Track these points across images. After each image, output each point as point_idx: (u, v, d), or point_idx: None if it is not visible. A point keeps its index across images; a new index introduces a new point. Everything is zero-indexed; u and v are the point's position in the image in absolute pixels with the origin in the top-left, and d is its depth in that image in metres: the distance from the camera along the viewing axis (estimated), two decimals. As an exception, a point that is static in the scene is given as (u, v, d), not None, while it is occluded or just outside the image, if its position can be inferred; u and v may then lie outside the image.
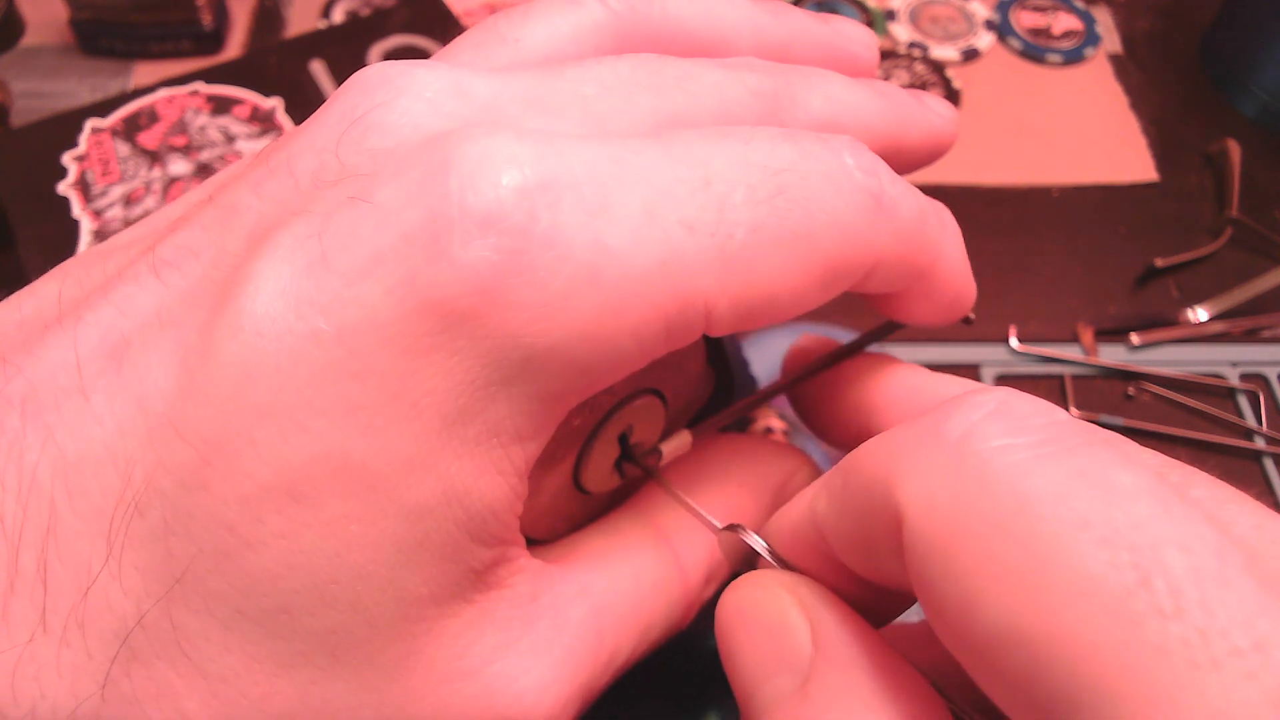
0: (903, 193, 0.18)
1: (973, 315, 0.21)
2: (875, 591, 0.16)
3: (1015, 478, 0.12)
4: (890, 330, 0.23)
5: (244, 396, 0.14)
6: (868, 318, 0.21)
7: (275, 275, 0.14)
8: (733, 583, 0.17)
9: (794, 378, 0.22)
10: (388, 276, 0.14)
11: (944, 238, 0.19)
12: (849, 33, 0.22)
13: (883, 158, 0.20)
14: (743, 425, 0.32)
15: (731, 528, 0.18)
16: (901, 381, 0.20)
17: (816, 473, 0.23)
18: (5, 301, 0.17)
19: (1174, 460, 0.15)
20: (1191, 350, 0.41)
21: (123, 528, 0.14)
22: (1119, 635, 0.11)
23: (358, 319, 0.14)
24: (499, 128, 0.15)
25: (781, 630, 0.16)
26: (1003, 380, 0.40)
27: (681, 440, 0.21)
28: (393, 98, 0.16)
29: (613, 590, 0.18)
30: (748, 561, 0.18)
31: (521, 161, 0.14)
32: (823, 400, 0.22)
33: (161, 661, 0.14)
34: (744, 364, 0.26)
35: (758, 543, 0.17)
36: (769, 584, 0.16)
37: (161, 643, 0.14)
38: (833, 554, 0.16)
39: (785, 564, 0.17)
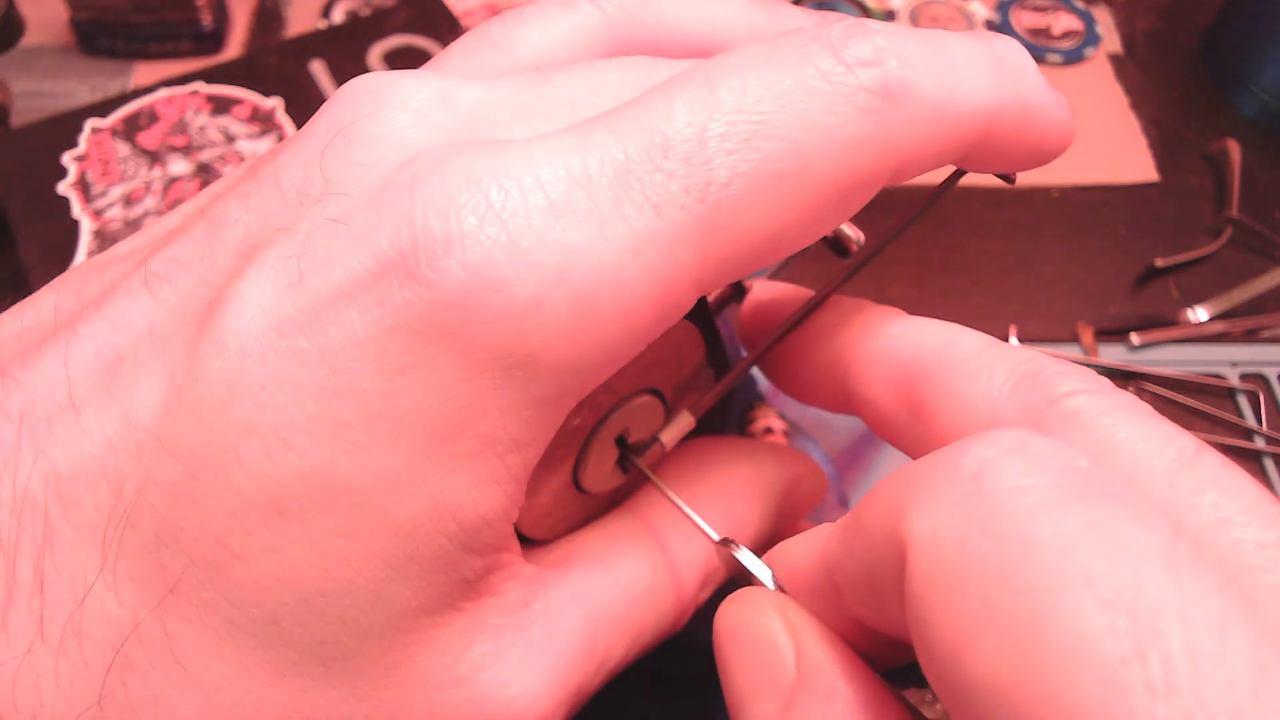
0: (918, 70, 0.16)
1: (1014, 176, 0.18)
2: (881, 644, 0.16)
3: (1023, 523, 0.12)
4: (957, 178, 0.20)
5: (229, 413, 0.14)
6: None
7: (259, 294, 0.15)
8: (728, 598, 0.17)
9: (796, 319, 0.21)
10: (362, 297, 0.14)
11: (1002, 91, 0.16)
12: None
13: None
14: (742, 425, 0.32)
15: (725, 542, 0.18)
16: (878, 332, 0.19)
17: (821, 479, 0.23)
18: (7, 312, 0.18)
19: (1193, 446, 0.14)
20: (1191, 350, 0.41)
21: (116, 539, 0.14)
22: (1106, 708, 0.10)
23: (336, 338, 0.14)
24: (461, 145, 0.15)
25: (768, 652, 0.16)
26: (1003, 380, 0.40)
27: (683, 423, 0.21)
28: (378, 109, 0.16)
29: (606, 595, 0.18)
30: (743, 573, 0.18)
31: (479, 176, 0.14)
32: (795, 358, 0.20)
33: (157, 670, 0.14)
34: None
35: (751, 561, 0.17)
36: (760, 604, 0.16)
37: (156, 652, 0.14)
38: (841, 601, 0.15)
39: (778, 584, 0.17)
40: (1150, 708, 0.10)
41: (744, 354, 0.26)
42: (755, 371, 0.27)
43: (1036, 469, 0.12)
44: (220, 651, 0.14)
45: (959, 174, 0.19)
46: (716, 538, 0.18)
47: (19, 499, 0.14)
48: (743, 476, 0.22)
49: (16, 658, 0.14)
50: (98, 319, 0.16)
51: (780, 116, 0.15)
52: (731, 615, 0.17)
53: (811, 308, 0.20)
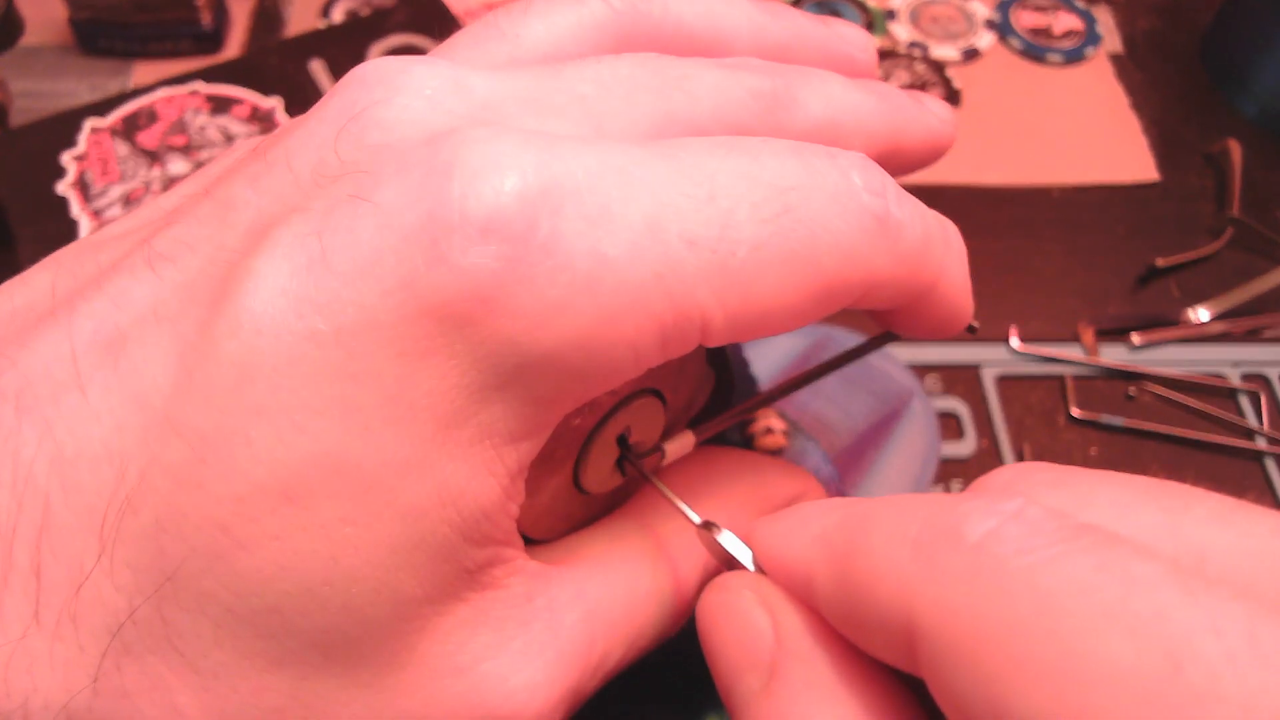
0: (909, 215, 0.17)
1: (976, 324, 0.21)
2: None
3: (1035, 577, 0.12)
4: (887, 340, 0.22)
5: (242, 395, 0.14)
6: (870, 322, 0.21)
7: (275, 273, 0.14)
8: (706, 587, 0.17)
9: (796, 381, 0.22)
10: (387, 278, 0.14)
11: (947, 259, 0.19)
12: (847, 36, 0.22)
13: (881, 160, 0.20)
14: (743, 425, 0.32)
15: (707, 525, 0.18)
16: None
17: (822, 496, 0.23)
18: None
19: (1164, 484, 0.14)
20: (1193, 350, 0.41)
21: (115, 524, 0.14)
22: None
23: (356, 320, 0.14)
24: (502, 130, 0.15)
25: (746, 629, 0.16)
26: (1004, 380, 0.40)
27: (684, 441, 0.21)
28: (392, 94, 0.16)
29: (607, 596, 0.18)
30: (724, 556, 0.18)
31: (524, 167, 0.14)
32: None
33: (153, 656, 0.14)
34: (744, 364, 0.26)
35: (732, 543, 0.17)
36: (736, 586, 0.17)
37: (153, 638, 0.14)
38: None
39: (757, 565, 0.17)
40: (1206, 712, 0.10)
41: (743, 354, 0.26)
42: (757, 374, 0.27)
43: (1035, 530, 0.13)
44: (219, 639, 0.14)
45: (890, 336, 0.22)
46: (698, 521, 0.18)
47: (20, 481, 0.14)
48: (745, 490, 0.22)
49: (11, 642, 0.14)
50: (98, 297, 0.16)
51: (806, 208, 0.16)
52: (710, 602, 0.17)
53: (817, 374, 0.22)
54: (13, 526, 0.14)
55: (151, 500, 0.14)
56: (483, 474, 0.15)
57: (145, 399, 0.14)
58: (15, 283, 0.17)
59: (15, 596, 0.14)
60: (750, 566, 0.17)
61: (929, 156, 0.22)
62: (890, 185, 0.17)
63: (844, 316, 0.21)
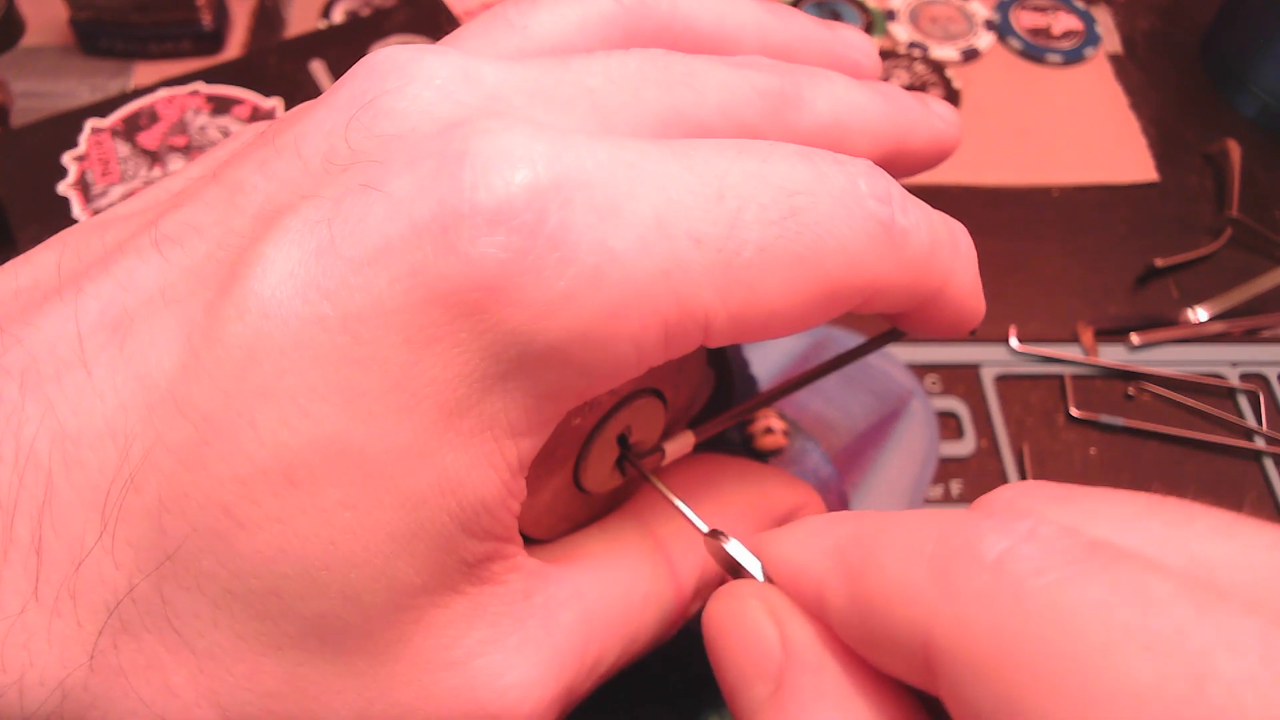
0: (914, 222, 0.17)
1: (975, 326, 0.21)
2: None
3: (1053, 596, 0.12)
4: (893, 338, 0.23)
5: (247, 377, 0.14)
6: (871, 323, 0.21)
7: (284, 258, 0.14)
8: (713, 594, 0.17)
9: (796, 381, 0.22)
10: (395, 266, 0.14)
11: (955, 264, 0.19)
12: (852, 40, 0.22)
13: (887, 161, 0.20)
14: (743, 424, 0.32)
15: (715, 534, 0.18)
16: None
17: (822, 508, 0.23)
18: (1, 269, 0.17)
19: (1164, 499, 0.14)
20: (1191, 350, 0.41)
21: (117, 502, 0.14)
22: None
23: (363, 306, 0.14)
24: (514, 122, 0.15)
25: (754, 639, 0.16)
26: (1003, 380, 0.40)
27: (684, 441, 0.21)
28: (403, 84, 0.16)
29: (605, 596, 0.18)
30: (733, 567, 0.18)
31: (535, 159, 0.15)
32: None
33: (150, 634, 0.14)
34: (744, 364, 0.26)
35: (739, 552, 0.17)
36: (743, 594, 0.16)
37: (151, 616, 0.14)
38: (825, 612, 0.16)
39: (766, 575, 0.17)
40: None
41: (743, 354, 0.27)
42: (757, 374, 0.27)
43: (1051, 549, 0.13)
44: (216, 620, 0.14)
45: (896, 333, 0.22)
46: (705, 529, 0.18)
47: (22, 457, 0.14)
48: (747, 499, 0.22)
49: (9, 617, 0.14)
50: (104, 278, 0.16)
51: (813, 213, 0.16)
52: (716, 610, 0.17)
53: (822, 371, 0.22)
54: (14, 502, 0.14)
55: (154, 479, 0.14)
56: (483, 465, 0.15)
57: (150, 379, 0.15)
58: (20, 261, 0.17)
59: (15, 571, 0.14)
60: (759, 577, 0.17)
61: (934, 158, 0.22)
62: (896, 192, 0.17)
63: (844, 317, 0.21)
